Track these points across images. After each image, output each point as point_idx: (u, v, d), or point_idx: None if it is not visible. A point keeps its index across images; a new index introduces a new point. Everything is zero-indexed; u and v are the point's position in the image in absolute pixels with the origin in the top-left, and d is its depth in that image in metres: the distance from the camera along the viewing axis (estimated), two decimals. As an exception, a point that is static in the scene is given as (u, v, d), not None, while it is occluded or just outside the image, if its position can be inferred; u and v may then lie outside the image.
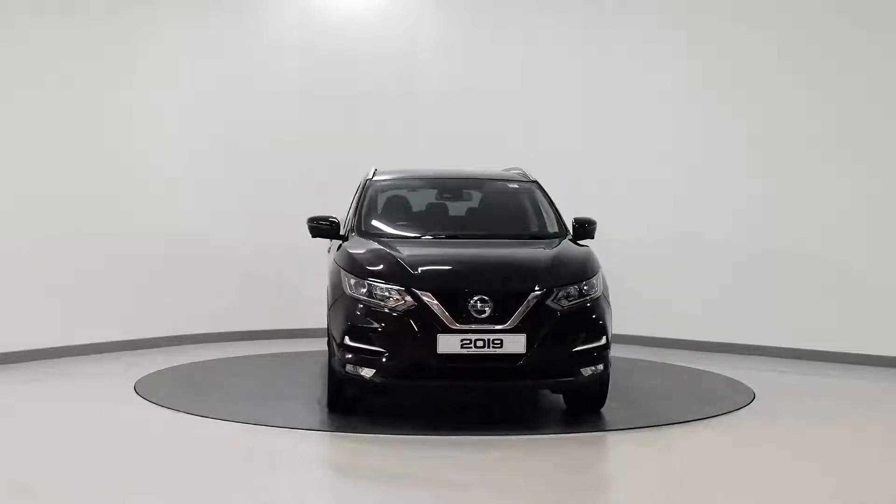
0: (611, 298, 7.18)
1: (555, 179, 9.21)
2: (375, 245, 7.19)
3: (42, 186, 9.31)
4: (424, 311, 6.50)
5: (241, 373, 8.87)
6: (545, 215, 7.91)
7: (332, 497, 5.48)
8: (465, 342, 6.45)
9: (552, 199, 8.18)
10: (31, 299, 9.18)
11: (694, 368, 9.16)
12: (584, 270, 6.94)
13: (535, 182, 8.15)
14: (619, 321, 9.58)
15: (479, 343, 6.45)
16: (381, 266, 6.83)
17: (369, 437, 6.50)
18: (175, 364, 8.99)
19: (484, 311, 6.49)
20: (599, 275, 7.02)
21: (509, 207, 8.14)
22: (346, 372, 6.66)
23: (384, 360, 6.53)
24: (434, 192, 8.35)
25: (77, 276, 9.53)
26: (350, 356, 6.61)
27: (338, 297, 6.86)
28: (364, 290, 6.69)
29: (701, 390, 8.34)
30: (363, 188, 8.09)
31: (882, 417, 7.54)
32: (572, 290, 6.74)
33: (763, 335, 9.92)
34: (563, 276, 6.79)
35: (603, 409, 7.61)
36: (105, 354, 9.56)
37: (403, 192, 8.38)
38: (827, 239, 9.63)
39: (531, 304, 6.55)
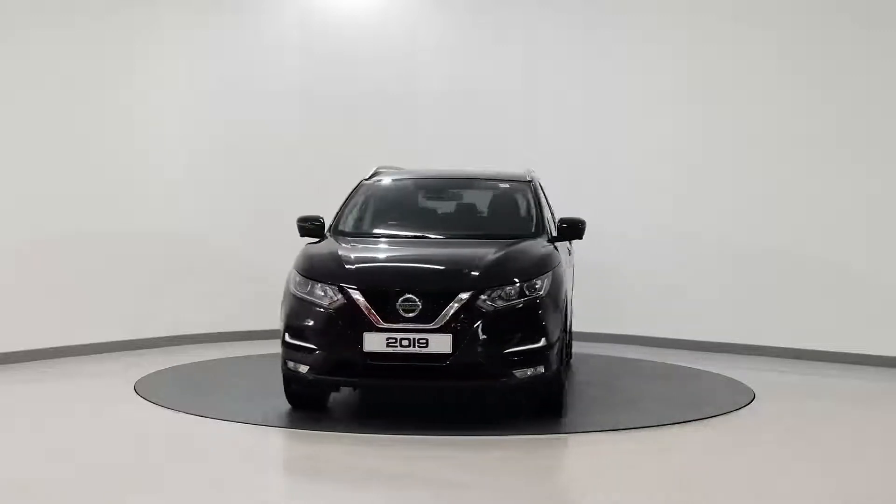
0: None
1: (555, 179, 9.23)
2: (333, 245, 7.24)
3: (42, 186, 9.31)
4: (353, 310, 6.53)
5: (241, 373, 8.87)
6: (528, 215, 7.78)
7: (332, 497, 5.48)
8: (390, 341, 6.43)
9: (546, 199, 8.23)
10: (31, 299, 9.18)
11: (694, 368, 9.16)
12: (528, 270, 6.76)
13: (529, 182, 8.04)
14: (620, 321, 9.67)
15: (405, 342, 6.42)
16: (323, 265, 6.92)
17: (369, 437, 6.50)
18: (175, 364, 8.99)
19: (412, 311, 6.47)
20: (549, 275, 6.81)
21: (493, 208, 8.13)
22: (289, 368, 6.77)
23: (315, 356, 6.61)
24: (422, 192, 8.35)
25: (77, 276, 9.53)
26: (290, 353, 6.74)
27: (285, 295, 6.99)
28: (305, 289, 6.78)
29: (701, 390, 8.34)
30: (354, 188, 8.20)
31: (882, 417, 7.54)
32: (511, 290, 6.62)
33: (763, 335, 9.92)
34: (501, 276, 6.66)
35: (603, 409, 7.61)
36: (105, 354, 9.56)
37: (391, 193, 8.36)
38: (827, 239, 9.63)
39: (459, 304, 6.47)
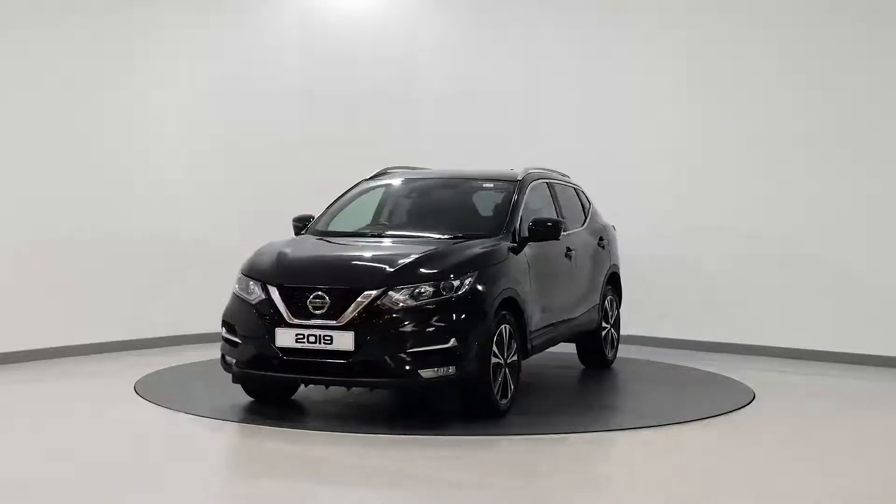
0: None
1: (555, 179, 9.24)
2: (283, 243, 7.46)
3: (42, 186, 9.32)
4: (269, 305, 6.70)
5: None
6: (495, 215, 7.69)
7: (332, 497, 5.48)
8: (299, 337, 6.56)
9: (555, 198, 8.27)
10: (31, 299, 9.18)
11: (694, 368, 9.16)
12: (448, 270, 6.70)
13: (517, 182, 7.88)
14: (620, 321, 9.62)
15: (312, 339, 6.53)
16: (260, 263, 7.14)
17: (369, 437, 6.50)
18: (175, 364, 8.99)
19: (321, 308, 6.56)
20: (475, 275, 6.72)
21: (467, 208, 8.05)
22: (225, 362, 7.06)
23: (239, 350, 6.87)
24: (408, 191, 8.37)
25: (77, 276, 9.54)
26: (224, 346, 7.05)
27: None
28: (241, 286, 7.03)
29: (701, 390, 8.34)
30: (350, 187, 8.42)
31: (882, 417, 7.54)
32: (423, 289, 6.59)
33: (763, 335, 9.92)
34: (415, 275, 6.65)
35: (603, 409, 7.61)
36: (105, 354, 9.57)
37: (378, 192, 8.39)
38: (827, 239, 9.63)
39: (364, 302, 6.51)
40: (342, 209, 8.21)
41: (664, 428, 6.89)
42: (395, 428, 6.70)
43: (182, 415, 7.08)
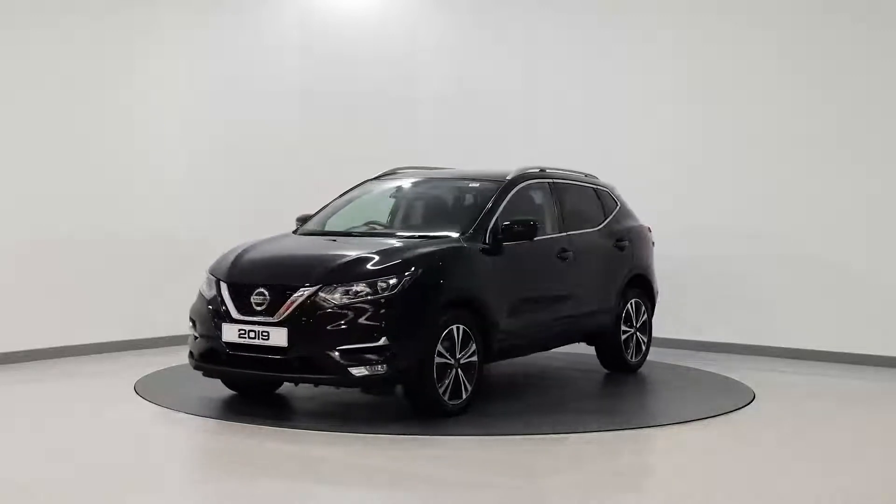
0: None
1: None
2: (257, 240, 7.69)
3: (42, 186, 9.32)
4: (220, 302, 6.96)
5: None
6: (466, 215, 7.64)
7: (332, 497, 5.48)
8: (241, 332, 6.77)
9: (555, 197, 8.23)
10: (31, 299, 9.18)
11: (694, 368, 9.16)
12: (387, 269, 6.76)
13: (503, 182, 7.83)
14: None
15: (252, 334, 6.73)
16: (223, 261, 7.36)
17: (369, 436, 6.50)
18: (175, 364, 8.98)
19: (261, 304, 6.75)
20: (414, 274, 6.75)
21: (446, 208, 8.05)
22: (190, 355, 7.30)
23: (195, 344, 7.18)
24: (399, 191, 8.41)
25: (77, 276, 9.54)
26: (189, 340, 7.33)
27: None
28: (205, 283, 7.30)
29: (701, 390, 8.34)
30: (353, 187, 8.56)
31: (882, 417, 7.54)
32: (359, 287, 6.66)
33: (763, 335, 9.92)
34: (351, 273, 6.74)
35: (603, 409, 7.60)
36: (105, 354, 9.57)
37: (372, 191, 8.45)
38: (827, 239, 9.63)
39: (298, 299, 6.64)
40: (340, 208, 8.29)
41: (664, 428, 6.89)
42: (395, 428, 6.70)
43: (182, 415, 7.09)
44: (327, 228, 8.04)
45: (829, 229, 9.62)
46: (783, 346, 9.82)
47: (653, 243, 9.33)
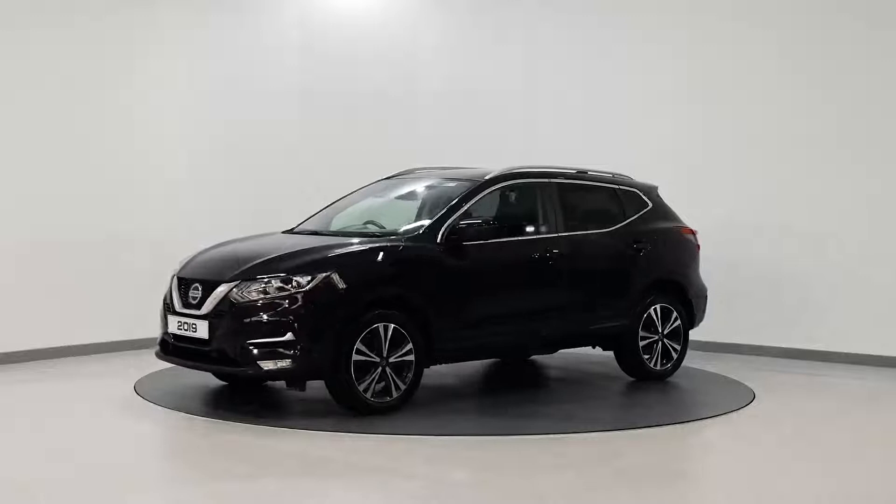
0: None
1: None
2: (238, 238, 8.02)
3: (42, 186, 9.32)
4: (168, 295, 7.44)
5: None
6: (423, 216, 7.70)
7: (332, 497, 5.48)
8: (179, 324, 7.18)
9: (544, 200, 8.14)
10: (31, 299, 9.19)
11: (694, 368, 9.15)
12: (301, 267, 6.92)
13: (478, 182, 7.80)
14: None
15: (185, 326, 7.13)
16: (189, 256, 7.72)
17: (369, 436, 6.50)
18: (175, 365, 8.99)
19: (195, 298, 7.09)
20: (329, 274, 6.85)
21: (415, 208, 8.06)
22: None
23: (161, 334, 7.55)
24: (392, 191, 8.45)
25: (77, 276, 9.54)
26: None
27: None
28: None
29: (701, 390, 8.34)
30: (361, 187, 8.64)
31: (882, 417, 7.54)
32: (275, 284, 6.83)
33: (763, 335, 9.92)
34: (268, 270, 6.92)
35: (603, 409, 7.59)
36: (105, 354, 9.57)
37: (369, 191, 8.50)
38: (827, 239, 9.63)
39: (220, 294, 6.92)
40: (339, 210, 8.37)
41: (664, 428, 6.89)
42: (395, 428, 6.70)
43: (182, 415, 7.09)
44: (329, 228, 8.06)
45: (828, 229, 9.62)
46: (783, 346, 9.82)
47: (696, 247, 8.97)
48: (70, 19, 9.54)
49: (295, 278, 6.83)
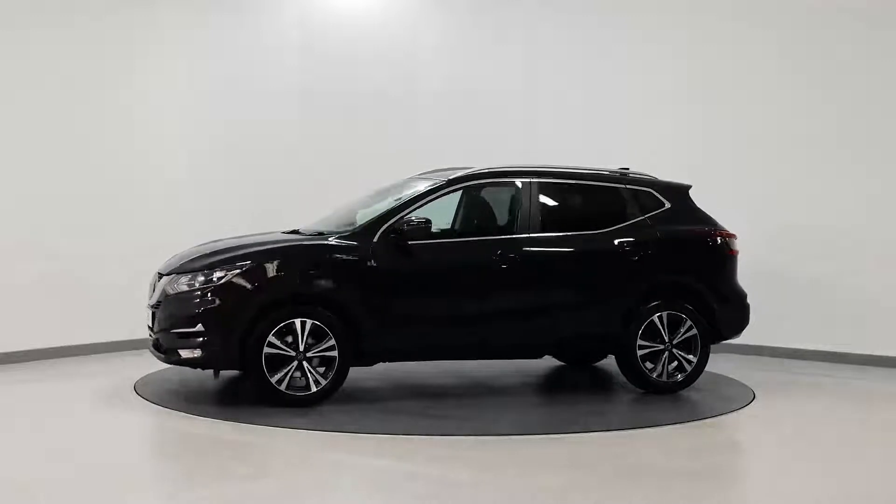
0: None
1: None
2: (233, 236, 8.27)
3: (42, 186, 9.32)
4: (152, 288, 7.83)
5: (242, 373, 8.85)
6: (377, 216, 7.68)
7: (332, 497, 5.48)
8: (148, 314, 7.65)
9: (534, 198, 8.07)
10: (31, 299, 9.18)
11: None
12: (219, 263, 7.30)
13: (440, 183, 7.78)
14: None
15: (149, 316, 7.63)
16: None
17: (369, 436, 6.50)
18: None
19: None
20: (242, 268, 7.20)
21: (378, 208, 7.96)
22: None
23: None
24: (382, 190, 8.46)
25: (77, 276, 9.54)
26: None
27: None
28: None
29: (701, 390, 8.34)
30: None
31: (882, 417, 7.54)
32: (199, 278, 7.26)
33: (763, 335, 9.91)
34: (196, 265, 7.39)
35: (603, 409, 7.59)
36: (105, 354, 9.57)
37: (383, 191, 8.46)
38: (827, 239, 9.63)
39: (161, 287, 7.48)
40: (360, 205, 8.33)
41: (664, 428, 6.89)
42: (394, 428, 6.70)
43: (182, 415, 7.09)
44: (332, 227, 8.01)
45: (829, 229, 9.62)
46: (783, 346, 9.82)
47: (728, 251, 8.39)
48: (70, 19, 9.54)
49: (214, 273, 7.21)
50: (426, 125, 11.19)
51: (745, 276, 10.00)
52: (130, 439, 6.61)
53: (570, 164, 8.53)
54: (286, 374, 7.14)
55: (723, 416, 7.27)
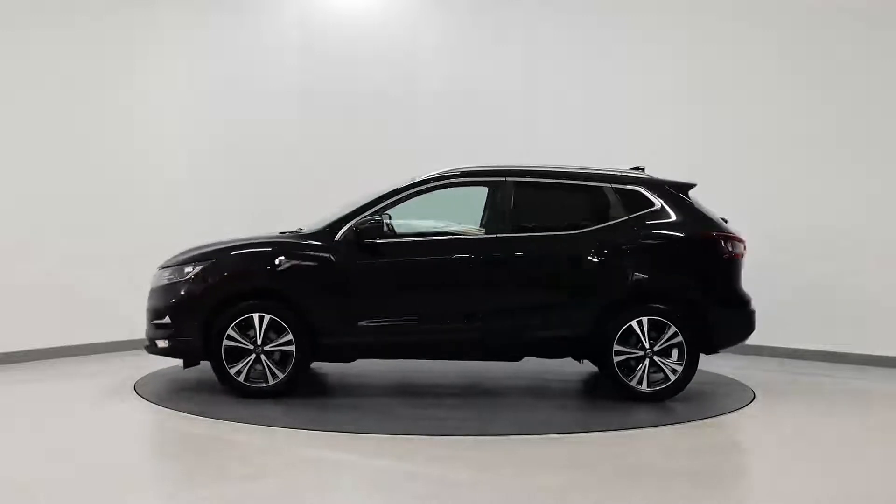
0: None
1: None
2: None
3: (42, 186, 9.33)
4: None
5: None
6: (347, 214, 7.83)
7: (332, 497, 5.48)
8: None
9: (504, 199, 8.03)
10: (31, 299, 9.18)
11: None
12: (191, 259, 7.76)
13: (422, 181, 7.80)
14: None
15: None
16: None
17: (369, 436, 6.50)
18: (175, 364, 8.98)
19: None
20: (205, 265, 7.62)
21: (352, 207, 8.11)
22: None
23: None
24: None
25: (77, 276, 9.54)
26: None
27: None
28: None
29: (701, 390, 8.34)
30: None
31: (882, 417, 7.54)
32: (176, 272, 7.75)
33: (764, 335, 9.90)
34: (178, 261, 7.85)
35: (603, 410, 7.59)
36: (105, 354, 9.57)
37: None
38: (827, 239, 9.64)
39: (152, 280, 8.02)
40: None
41: (664, 428, 6.89)
42: (394, 428, 6.70)
43: (182, 415, 7.09)
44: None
45: (829, 229, 9.62)
46: (783, 346, 9.82)
47: (724, 254, 7.93)
48: (70, 19, 9.55)
49: (185, 268, 7.67)
50: (426, 125, 11.19)
51: (745, 276, 10.03)
52: (130, 439, 6.61)
53: (574, 165, 8.47)
54: (244, 366, 7.48)
55: (723, 416, 7.27)
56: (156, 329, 7.72)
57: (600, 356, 7.68)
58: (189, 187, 10.47)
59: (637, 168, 8.30)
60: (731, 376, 8.73)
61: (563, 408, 7.55)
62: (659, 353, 7.60)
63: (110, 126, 9.89)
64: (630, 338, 7.57)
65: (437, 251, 7.69)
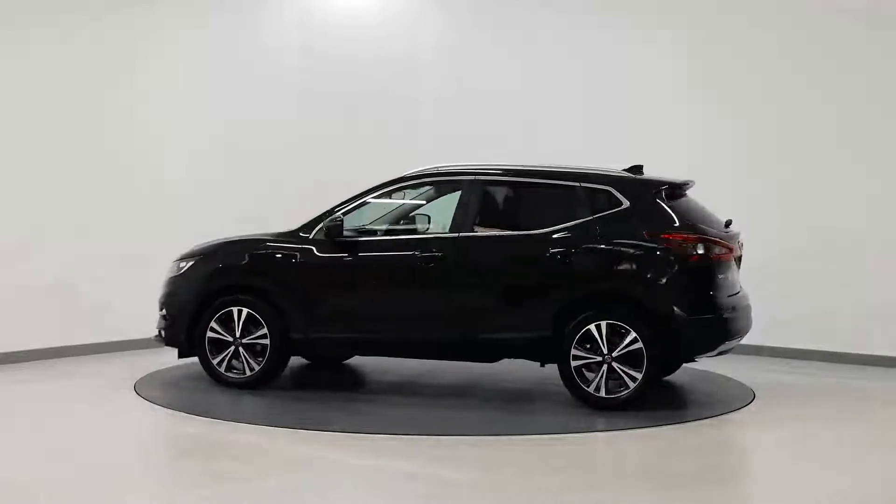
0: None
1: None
2: None
3: (42, 186, 9.32)
4: None
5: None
6: (324, 212, 8.08)
7: (332, 497, 5.48)
8: None
9: (486, 199, 7.94)
10: (31, 299, 9.18)
11: (694, 368, 9.15)
12: (188, 254, 8.31)
13: (403, 178, 8.03)
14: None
15: None
16: None
17: (369, 436, 6.51)
18: (175, 364, 8.98)
19: None
20: (193, 261, 8.17)
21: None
22: None
23: None
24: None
25: (77, 276, 9.54)
26: None
27: None
28: None
29: (701, 390, 8.35)
30: None
31: (882, 417, 7.55)
32: (175, 267, 8.32)
33: (763, 335, 9.90)
34: (181, 256, 8.35)
35: (602, 410, 7.59)
36: (105, 354, 9.57)
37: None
38: (827, 239, 9.63)
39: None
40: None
41: (664, 428, 6.88)
42: (394, 428, 6.70)
43: (182, 415, 7.09)
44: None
45: (829, 229, 9.62)
46: (784, 346, 9.82)
47: (689, 258, 7.38)
48: (70, 19, 9.54)
49: (180, 263, 8.22)
50: (426, 125, 11.19)
51: (745, 276, 10.03)
52: (130, 439, 6.61)
53: (550, 164, 8.36)
54: (224, 357, 7.90)
55: (723, 416, 7.27)
56: (161, 319, 8.26)
57: (558, 360, 7.37)
58: (189, 187, 10.46)
59: (636, 166, 8.27)
60: (731, 376, 8.73)
61: (564, 408, 7.55)
62: (619, 360, 7.20)
63: (110, 126, 9.89)
64: (591, 342, 7.25)
65: (397, 249, 7.82)
